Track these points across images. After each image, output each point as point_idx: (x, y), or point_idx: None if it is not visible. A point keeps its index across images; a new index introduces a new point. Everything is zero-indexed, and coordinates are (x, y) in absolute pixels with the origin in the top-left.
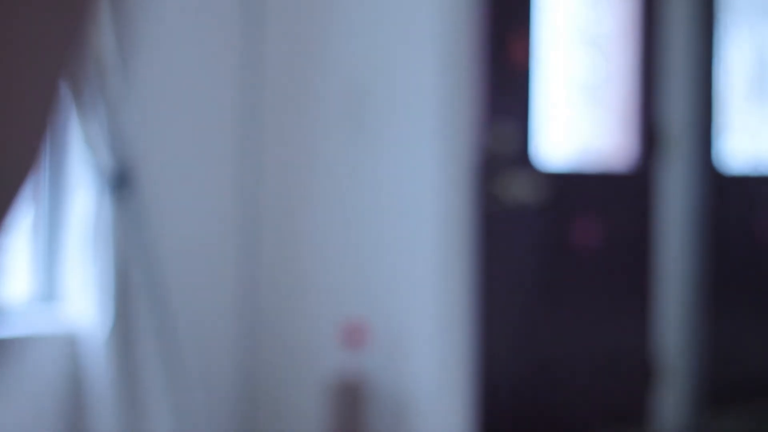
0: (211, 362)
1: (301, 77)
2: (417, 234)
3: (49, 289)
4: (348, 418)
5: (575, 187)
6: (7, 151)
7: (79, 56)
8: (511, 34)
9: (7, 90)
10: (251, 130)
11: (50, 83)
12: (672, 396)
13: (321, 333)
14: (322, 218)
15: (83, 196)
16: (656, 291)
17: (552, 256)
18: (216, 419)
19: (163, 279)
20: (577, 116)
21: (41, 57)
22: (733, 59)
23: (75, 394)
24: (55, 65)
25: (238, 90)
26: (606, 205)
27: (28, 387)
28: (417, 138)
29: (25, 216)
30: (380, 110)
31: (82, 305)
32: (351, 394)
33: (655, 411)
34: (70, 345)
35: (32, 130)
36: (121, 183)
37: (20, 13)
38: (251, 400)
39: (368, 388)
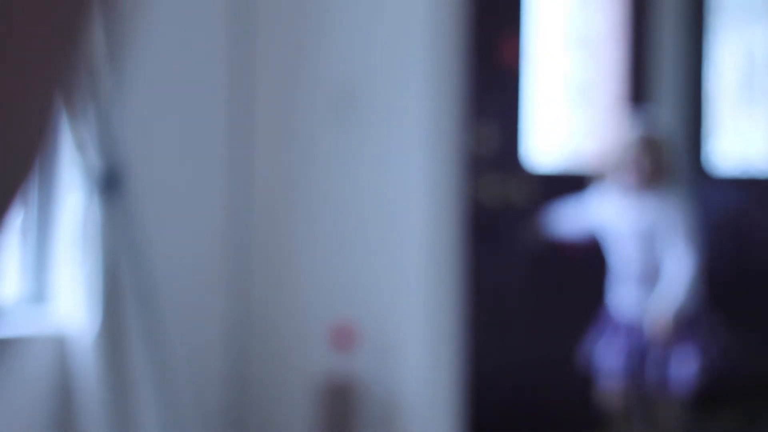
0: (200, 364)
1: (290, 79)
2: (406, 236)
3: (38, 290)
4: (338, 421)
5: (564, 188)
6: (6, 156)
7: (74, 62)
8: (501, 36)
9: (5, 95)
10: (241, 132)
11: (47, 89)
12: None
13: (310, 335)
14: (312, 220)
15: (73, 198)
16: None
17: (541, 258)
18: (205, 421)
19: (152, 281)
20: (567, 117)
21: (38, 63)
22: (723, 61)
23: (64, 395)
24: (53, 70)
25: (228, 92)
26: None
27: (17, 388)
28: (406, 139)
29: (16, 217)
30: (369, 111)
31: (71, 306)
32: (341, 397)
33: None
34: (59, 346)
35: (30, 135)
36: (110, 185)
37: (17, 20)
38: (241, 402)
39: (358, 390)
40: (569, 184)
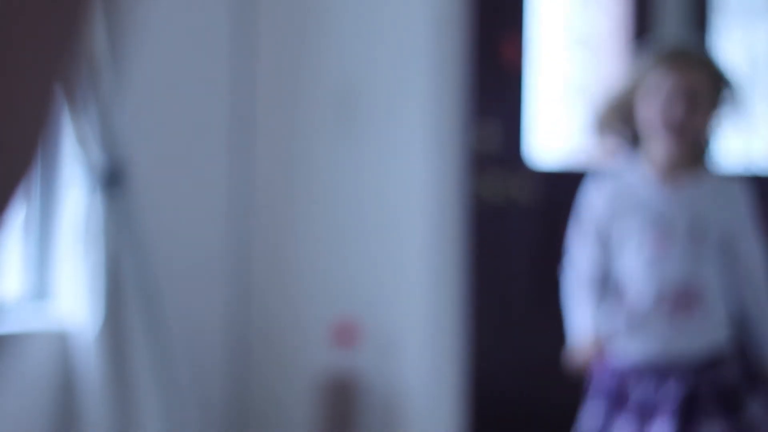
0: (202, 360)
1: (292, 77)
2: (408, 233)
3: (40, 287)
4: (339, 417)
5: (566, 187)
6: (7, 152)
7: (75, 57)
8: (503, 35)
9: (6, 91)
10: (243, 129)
11: (48, 84)
12: None
13: (312, 331)
14: (314, 217)
15: (75, 194)
16: None
17: (544, 255)
18: (207, 418)
19: (154, 277)
20: (569, 116)
21: (40, 59)
22: (725, 61)
23: (66, 392)
24: (54, 66)
25: (230, 89)
26: None
27: (19, 384)
28: (409, 138)
29: (17, 213)
30: (371, 110)
31: (73, 303)
32: (342, 393)
33: None
34: (61, 342)
35: (31, 130)
36: (112, 181)
37: (18, 16)
38: (242, 399)
39: (360, 386)
40: (571, 181)
